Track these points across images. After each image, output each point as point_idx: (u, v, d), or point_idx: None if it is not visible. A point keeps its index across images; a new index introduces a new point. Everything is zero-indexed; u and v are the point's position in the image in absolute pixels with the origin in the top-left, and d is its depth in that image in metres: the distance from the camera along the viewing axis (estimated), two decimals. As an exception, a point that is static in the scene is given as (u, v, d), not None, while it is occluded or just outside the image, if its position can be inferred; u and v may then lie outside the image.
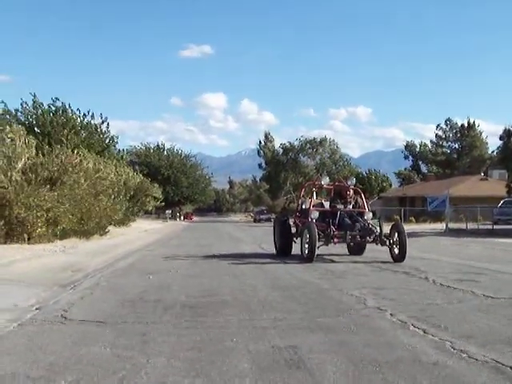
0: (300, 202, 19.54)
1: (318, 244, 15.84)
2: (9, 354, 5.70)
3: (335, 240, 16.59)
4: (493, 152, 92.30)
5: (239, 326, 7.00)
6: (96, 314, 7.89)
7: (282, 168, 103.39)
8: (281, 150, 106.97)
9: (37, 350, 5.85)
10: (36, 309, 8.32)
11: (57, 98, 40.52)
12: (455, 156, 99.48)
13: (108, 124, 44.19)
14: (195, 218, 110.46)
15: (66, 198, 23.55)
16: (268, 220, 77.69)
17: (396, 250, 16.22)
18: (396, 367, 5.17)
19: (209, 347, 5.96)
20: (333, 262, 16.25)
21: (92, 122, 42.37)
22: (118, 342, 6.23)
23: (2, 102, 39.39)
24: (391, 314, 7.69)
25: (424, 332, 6.61)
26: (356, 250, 18.34)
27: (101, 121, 43.28)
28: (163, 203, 66.16)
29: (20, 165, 23.15)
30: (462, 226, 40.53)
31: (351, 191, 18.30)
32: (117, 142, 48.08)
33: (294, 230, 18.70)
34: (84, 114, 41.84)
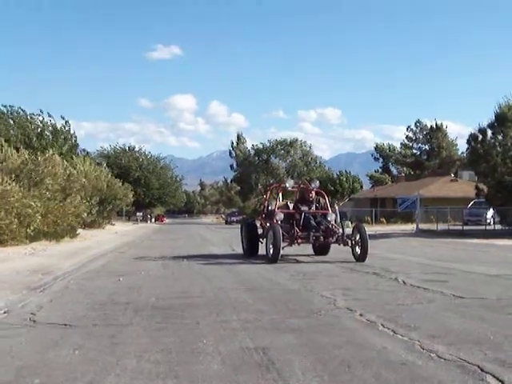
0: (266, 204, 19.78)
1: (282, 245, 16.09)
2: (-24, 358, 5.65)
3: (299, 241, 16.97)
4: (462, 153, 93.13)
5: (210, 328, 6.99)
6: (65, 316, 7.83)
7: (253, 169, 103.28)
8: (252, 152, 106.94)
9: (4, 355, 5.79)
10: (4, 312, 8.24)
11: (11, 106, 40.51)
12: (425, 157, 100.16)
13: (69, 128, 43.85)
14: (166, 220, 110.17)
15: (35, 198, 23.38)
16: (239, 221, 77.70)
17: (358, 250, 16.66)
18: (365, 367, 5.18)
19: (179, 349, 5.94)
20: (301, 262, 16.43)
21: (51, 122, 41.98)
22: (87, 344, 6.18)
23: None
24: (361, 315, 7.73)
25: (393, 332, 6.64)
26: (321, 250, 18.68)
27: (63, 122, 42.83)
28: (133, 206, 65.91)
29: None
30: (433, 226, 40.82)
31: (315, 193, 18.59)
32: (76, 143, 47.70)
33: (260, 231, 18.85)
34: (47, 116, 41.54)
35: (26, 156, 26.45)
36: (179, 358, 5.56)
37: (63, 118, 43.33)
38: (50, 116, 42.13)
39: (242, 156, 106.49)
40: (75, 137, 46.72)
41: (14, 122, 39.03)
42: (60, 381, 4.88)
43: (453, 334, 6.59)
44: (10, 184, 21.98)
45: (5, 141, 28.04)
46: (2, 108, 40.23)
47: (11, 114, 39.72)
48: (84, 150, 47.57)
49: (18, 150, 29.30)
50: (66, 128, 43.46)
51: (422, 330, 6.77)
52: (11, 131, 37.10)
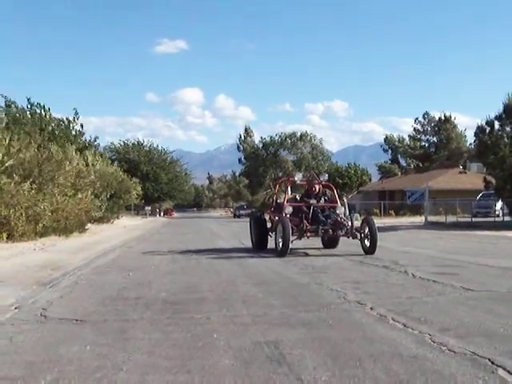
0: (275, 198, 19.83)
1: (291, 238, 16.11)
2: (-12, 354, 5.67)
3: (308, 234, 17.00)
4: (470, 145, 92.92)
5: (220, 322, 7.00)
6: (76, 312, 7.85)
7: (261, 163, 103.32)
8: (260, 145, 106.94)
9: (16, 350, 5.81)
10: (15, 308, 8.25)
11: (29, 99, 40.06)
12: (433, 149, 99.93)
13: (82, 125, 43.68)
14: (175, 214, 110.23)
15: (45, 195, 23.44)
16: (248, 215, 77.66)
17: (367, 243, 16.67)
18: (376, 361, 5.18)
19: (190, 344, 5.95)
20: (310, 255, 16.44)
21: (64, 118, 41.79)
22: (97, 340, 6.20)
23: None
24: (371, 308, 7.72)
25: (404, 325, 6.64)
26: (330, 243, 18.65)
27: (73, 117, 42.59)
28: (143, 200, 66.00)
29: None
30: (441, 218, 40.74)
31: (324, 187, 18.61)
32: (97, 141, 47.76)
33: (269, 224, 18.86)
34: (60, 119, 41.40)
35: (35, 151, 26.38)
36: (190, 353, 5.57)
37: (75, 115, 43.10)
38: (69, 119, 42.07)
39: (250, 149, 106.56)
40: (97, 137, 46.82)
41: (31, 116, 38.92)
42: (72, 376, 4.88)
43: (463, 326, 6.58)
44: (20, 183, 22.02)
45: (17, 139, 27.96)
46: (21, 103, 40.06)
47: (30, 108, 39.60)
48: (94, 146, 47.18)
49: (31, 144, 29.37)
50: (78, 125, 43.26)
51: (432, 323, 6.76)
52: (26, 127, 37.05)
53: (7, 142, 24.67)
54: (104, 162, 44.16)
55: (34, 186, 23.31)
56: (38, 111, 39.40)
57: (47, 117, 39.63)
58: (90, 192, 30.90)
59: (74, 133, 41.83)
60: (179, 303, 8.49)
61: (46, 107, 40.15)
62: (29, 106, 39.67)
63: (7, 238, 20.85)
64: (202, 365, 5.17)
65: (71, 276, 12.37)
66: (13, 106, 39.09)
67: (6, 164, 22.84)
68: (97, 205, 33.13)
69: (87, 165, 37.99)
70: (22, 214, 21.24)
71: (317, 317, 7.26)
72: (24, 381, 4.80)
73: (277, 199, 19.68)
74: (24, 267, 13.80)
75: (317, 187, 18.40)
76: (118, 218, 49.24)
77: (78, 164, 31.49)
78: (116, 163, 51.73)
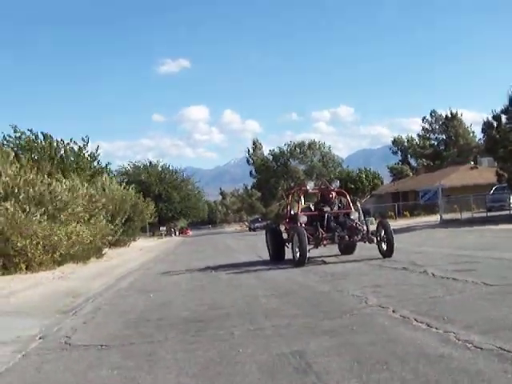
0: (289, 208, 19.87)
1: (308, 247, 16.12)
2: (17, 386, 5.71)
3: (324, 242, 16.96)
4: (479, 140, 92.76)
5: (244, 337, 7.02)
6: (100, 337, 7.89)
7: (272, 174, 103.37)
8: (270, 157, 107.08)
9: (44, 380, 5.86)
10: (39, 338, 8.30)
11: (30, 130, 40.24)
12: (442, 147, 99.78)
13: (98, 146, 43.81)
14: (191, 233, 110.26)
15: (59, 223, 23.53)
16: (263, 228, 77.65)
17: (384, 246, 16.61)
18: (402, 363, 5.19)
19: (216, 360, 5.97)
20: (328, 263, 16.44)
21: (74, 146, 41.88)
22: (124, 363, 6.23)
23: None
24: (393, 311, 7.73)
25: (427, 325, 6.64)
26: (347, 249, 18.65)
27: (84, 143, 42.70)
28: (157, 218, 66.06)
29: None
30: (456, 216, 40.58)
31: (336, 193, 18.63)
32: (109, 166, 47.93)
33: (285, 235, 18.88)
34: (68, 143, 41.44)
35: (47, 182, 26.48)
36: (217, 370, 5.59)
37: (83, 141, 43.17)
38: (82, 141, 42.19)
39: (260, 162, 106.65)
40: (109, 163, 46.96)
41: (37, 145, 39.03)
42: (102, 402, 4.92)
43: (487, 322, 6.57)
44: (33, 214, 22.10)
45: (31, 168, 28.06)
46: (28, 132, 40.13)
47: (36, 138, 39.70)
48: (107, 172, 47.20)
49: (41, 174, 29.49)
50: (88, 151, 43.31)
51: (456, 321, 6.76)
52: (35, 156, 37.17)
53: (16, 172, 24.82)
54: (115, 186, 44.20)
55: (47, 214, 23.38)
56: (47, 140, 39.49)
57: (56, 144, 39.76)
58: (102, 216, 30.95)
59: (85, 159, 41.93)
60: (202, 321, 8.51)
61: (54, 137, 40.29)
62: (36, 135, 39.76)
63: (26, 268, 20.92)
64: (230, 381, 5.19)
65: (93, 302, 12.41)
66: (22, 135, 39.20)
67: (20, 197, 22.94)
68: (111, 229, 33.15)
69: (103, 190, 38.15)
70: (38, 243, 21.31)
71: (340, 324, 7.28)
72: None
73: (291, 209, 19.69)
74: (45, 296, 13.85)
75: (329, 195, 18.42)
76: (133, 240, 49.31)
77: (88, 189, 31.49)
78: (129, 186, 51.66)
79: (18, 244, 20.56)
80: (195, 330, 7.84)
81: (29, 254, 20.88)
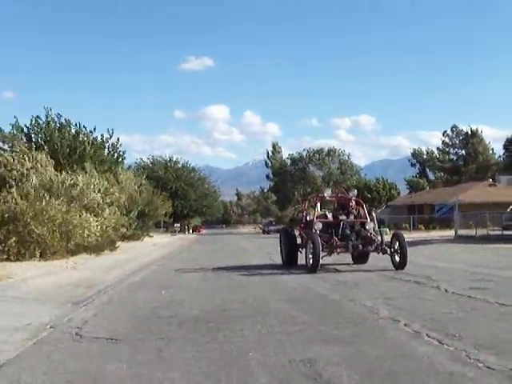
0: (304, 214, 19.87)
1: (321, 254, 16.14)
2: (27, 374, 5.72)
3: (338, 250, 16.96)
4: (499, 157, 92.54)
5: (254, 340, 7.01)
6: (110, 330, 7.91)
7: (289, 178, 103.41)
8: (288, 161, 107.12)
9: (54, 369, 5.88)
10: (50, 327, 8.34)
11: (59, 114, 40.10)
12: (461, 163, 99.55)
13: (118, 139, 43.73)
14: (204, 231, 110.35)
15: (73, 212, 23.62)
16: (277, 231, 77.58)
17: (397, 258, 16.58)
18: (412, 378, 5.17)
19: (225, 361, 5.97)
20: (340, 271, 16.46)
21: (98, 137, 41.90)
22: (133, 358, 6.25)
23: (15, 117, 39.48)
24: (405, 325, 7.69)
25: (439, 342, 6.61)
26: (360, 258, 18.61)
27: (108, 136, 42.75)
28: (171, 218, 66.22)
29: (34, 181, 23.31)
30: (471, 232, 40.39)
31: (353, 202, 18.55)
32: (124, 158, 47.78)
33: (299, 240, 18.87)
34: (90, 131, 41.41)
35: (63, 175, 26.64)
36: (226, 371, 5.59)
37: (108, 133, 43.19)
38: (108, 134, 42.30)
39: (279, 165, 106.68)
40: (124, 152, 46.96)
41: (60, 133, 38.99)
42: (110, 395, 4.93)
43: (499, 342, 6.54)
44: (51, 201, 22.24)
45: (51, 157, 28.22)
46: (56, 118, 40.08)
47: (60, 126, 39.65)
48: (122, 162, 47.10)
49: (60, 163, 29.72)
50: (112, 142, 43.30)
51: (467, 339, 6.72)
52: (57, 145, 37.23)
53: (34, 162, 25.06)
54: (132, 179, 44.28)
55: (63, 204, 23.49)
56: (67, 128, 39.47)
57: (80, 137, 39.80)
58: (116, 208, 30.98)
59: (106, 151, 42.01)
60: (212, 321, 8.51)
61: (81, 127, 40.31)
62: (61, 123, 39.75)
63: (40, 256, 21.03)
64: (238, 382, 5.18)
65: (104, 294, 12.45)
66: (51, 123, 39.21)
67: (33, 182, 23.13)
68: (126, 222, 33.21)
69: (118, 182, 38.21)
70: (54, 231, 21.44)
71: (351, 334, 7.26)
72: (63, 400, 4.85)
73: (306, 215, 19.70)
74: (57, 286, 13.90)
75: (346, 203, 18.41)
76: (147, 235, 49.43)
77: (104, 181, 31.52)
78: (145, 180, 51.65)
79: (37, 231, 20.68)
80: (205, 329, 7.84)
81: (47, 241, 21.02)
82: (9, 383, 5.39)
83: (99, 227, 25.37)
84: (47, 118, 38.76)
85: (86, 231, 23.99)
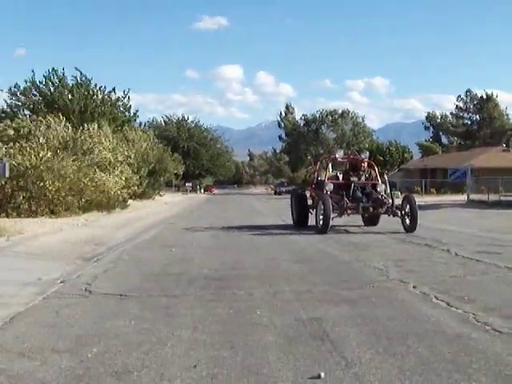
0: (316, 175, 19.83)
1: (332, 215, 16.16)
2: (35, 327, 5.76)
3: (348, 211, 17.00)
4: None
5: (263, 299, 7.03)
6: (119, 287, 7.94)
7: (302, 140, 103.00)
8: (301, 122, 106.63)
9: (62, 323, 5.91)
10: (60, 282, 8.38)
11: (77, 69, 40.00)
12: (475, 127, 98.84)
13: (129, 98, 43.58)
14: (216, 191, 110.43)
15: (84, 169, 23.67)
16: (288, 192, 77.43)
17: (408, 221, 16.60)
18: (420, 340, 5.16)
19: (233, 320, 5.99)
20: (351, 233, 16.51)
21: (113, 96, 41.81)
22: (142, 315, 6.27)
23: (32, 71, 39.51)
24: (414, 287, 7.69)
25: (447, 304, 6.60)
26: (370, 220, 18.64)
27: (123, 94, 42.69)
28: (183, 180, 66.33)
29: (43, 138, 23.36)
30: (484, 197, 40.16)
31: (365, 164, 18.44)
32: (137, 116, 47.76)
33: (310, 202, 18.89)
34: (103, 88, 41.28)
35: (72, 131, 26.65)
36: (234, 329, 5.61)
37: (124, 93, 43.09)
38: (123, 93, 42.36)
39: (292, 126, 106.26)
40: (137, 110, 46.94)
41: (77, 89, 38.94)
42: (117, 350, 4.95)
43: (507, 306, 6.52)
44: (63, 158, 22.28)
45: (62, 114, 28.20)
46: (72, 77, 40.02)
47: (77, 82, 39.60)
48: (134, 120, 47.14)
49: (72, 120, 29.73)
50: (124, 101, 43.21)
51: (476, 302, 6.71)
52: (69, 102, 37.26)
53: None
54: (142, 137, 44.26)
55: (75, 160, 23.54)
56: (84, 88, 39.41)
57: (96, 95, 39.75)
58: (128, 166, 30.92)
59: (119, 110, 42.01)
60: (222, 279, 8.55)
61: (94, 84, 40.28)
62: (77, 80, 39.68)
63: (51, 212, 21.13)
64: (246, 341, 5.20)
65: (114, 251, 12.51)
66: (63, 82, 39.17)
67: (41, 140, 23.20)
68: (137, 180, 33.22)
69: (127, 140, 38.18)
70: (69, 188, 21.55)
71: (360, 294, 7.26)
72: (71, 353, 4.88)
73: (318, 176, 19.66)
74: (68, 242, 13.97)
75: (358, 165, 18.35)
76: (159, 194, 49.52)
77: (113, 139, 31.44)
78: (156, 139, 51.66)
79: (51, 187, 20.76)
80: (214, 287, 7.88)
81: (61, 198, 21.11)
82: (17, 336, 5.42)
83: (112, 184, 25.44)
84: (56, 76, 38.81)
85: (100, 188, 24.10)
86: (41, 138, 23.53)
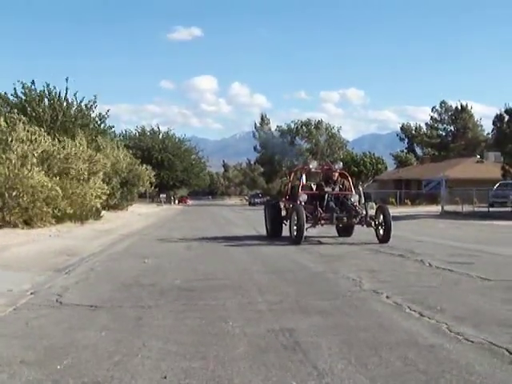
0: (290, 186, 19.88)
1: (306, 226, 16.13)
2: (5, 339, 5.69)
3: (322, 222, 17.00)
4: (488, 134, 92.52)
5: (235, 310, 7.00)
6: (91, 298, 7.87)
7: (277, 150, 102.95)
8: (277, 133, 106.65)
9: (32, 335, 5.84)
10: (31, 293, 8.30)
11: (48, 84, 39.78)
12: (450, 138, 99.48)
13: (96, 105, 43.17)
14: (190, 202, 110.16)
15: (60, 180, 23.52)
16: (263, 203, 77.48)
17: (381, 231, 16.62)
18: (392, 349, 5.16)
19: (205, 330, 5.95)
20: (324, 244, 16.49)
21: (83, 105, 41.48)
22: (113, 326, 6.22)
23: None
24: (387, 297, 7.70)
25: (420, 314, 6.61)
26: (344, 231, 18.67)
27: (91, 103, 42.25)
28: (157, 188, 66.05)
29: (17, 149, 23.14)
30: (458, 208, 40.40)
31: (338, 175, 18.49)
32: (112, 127, 47.48)
33: (284, 212, 18.90)
34: (75, 98, 41.05)
35: (55, 144, 26.47)
36: (205, 340, 5.57)
37: (93, 102, 42.74)
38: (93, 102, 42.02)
39: (266, 137, 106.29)
40: (112, 126, 46.72)
41: (48, 101, 38.71)
42: (88, 361, 4.90)
43: (480, 316, 6.54)
44: (34, 169, 22.09)
45: (38, 126, 27.99)
46: (42, 88, 39.73)
47: (49, 94, 39.34)
48: (109, 134, 46.83)
49: (49, 133, 29.47)
50: (98, 112, 42.87)
51: (448, 312, 6.73)
52: (44, 114, 37.01)
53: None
54: (115, 149, 44.05)
55: (46, 171, 23.39)
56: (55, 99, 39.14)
57: (65, 104, 39.49)
58: (100, 176, 30.71)
59: (91, 118, 41.71)
60: (194, 290, 8.50)
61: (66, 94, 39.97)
62: (42, 91, 39.42)
63: (24, 223, 20.95)
64: (217, 351, 5.17)
65: (87, 262, 12.42)
66: (32, 92, 38.91)
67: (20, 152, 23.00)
68: (110, 190, 32.95)
69: (99, 150, 37.93)
70: (42, 199, 21.36)
71: (332, 305, 7.25)
72: (40, 365, 4.82)
73: (292, 187, 19.69)
74: (40, 253, 13.86)
75: (332, 175, 18.39)
76: (131, 205, 49.27)
77: (88, 149, 31.24)
78: (129, 151, 51.47)
79: (25, 198, 20.62)
80: (186, 298, 7.84)
81: (35, 209, 20.95)
82: (-15, 348, 5.35)
83: (88, 193, 25.33)
84: (23, 87, 38.60)
85: (73, 195, 23.98)
86: (16, 148, 23.32)
